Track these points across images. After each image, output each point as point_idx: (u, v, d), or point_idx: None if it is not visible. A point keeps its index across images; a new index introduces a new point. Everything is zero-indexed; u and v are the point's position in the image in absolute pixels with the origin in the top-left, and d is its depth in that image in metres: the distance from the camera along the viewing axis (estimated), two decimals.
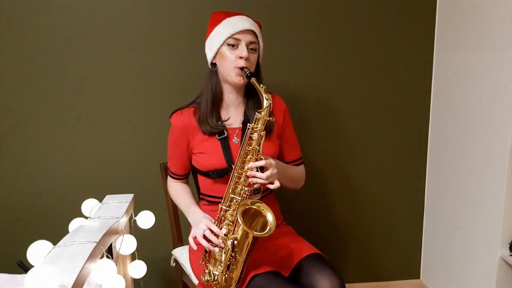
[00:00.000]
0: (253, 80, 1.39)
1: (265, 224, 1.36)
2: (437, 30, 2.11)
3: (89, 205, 1.46)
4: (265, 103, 1.37)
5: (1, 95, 1.92)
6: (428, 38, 2.12)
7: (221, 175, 1.50)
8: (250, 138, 1.38)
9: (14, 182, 1.99)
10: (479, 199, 1.82)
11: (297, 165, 1.66)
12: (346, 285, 1.40)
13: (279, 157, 1.60)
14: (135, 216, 1.52)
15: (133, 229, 1.52)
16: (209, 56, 1.50)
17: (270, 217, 1.35)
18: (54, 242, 1.08)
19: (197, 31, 1.95)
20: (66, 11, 1.89)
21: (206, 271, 1.40)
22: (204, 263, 1.42)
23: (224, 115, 1.53)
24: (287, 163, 1.63)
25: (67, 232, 1.21)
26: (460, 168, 1.96)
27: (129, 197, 1.55)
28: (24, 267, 1.50)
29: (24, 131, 1.96)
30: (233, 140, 1.51)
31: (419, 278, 2.36)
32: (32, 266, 0.86)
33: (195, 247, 1.43)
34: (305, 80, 2.08)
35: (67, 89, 1.95)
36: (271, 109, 1.38)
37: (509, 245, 1.68)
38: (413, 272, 2.36)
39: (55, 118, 1.97)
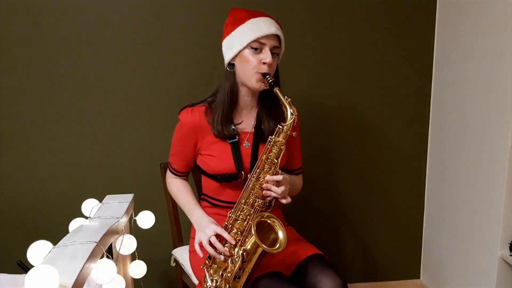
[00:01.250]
0: (276, 90, 1.33)
1: (275, 240, 1.33)
2: (437, 30, 2.11)
3: (89, 205, 1.45)
4: (290, 118, 1.32)
5: (2, 96, 1.92)
6: (428, 38, 2.12)
7: (229, 180, 1.46)
8: (270, 150, 1.35)
9: (14, 182, 1.99)
10: (479, 199, 1.82)
11: (297, 174, 1.64)
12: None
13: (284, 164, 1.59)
14: (135, 216, 1.52)
15: (133, 229, 1.52)
16: (228, 56, 1.42)
17: (281, 235, 1.32)
18: (54, 242, 1.08)
19: (197, 32, 1.95)
20: (67, 11, 1.89)
21: (208, 276, 1.38)
22: (206, 268, 1.39)
23: (237, 118, 1.49)
24: (290, 171, 1.61)
25: (67, 232, 1.21)
26: (460, 168, 1.96)
27: (129, 197, 1.55)
28: (24, 267, 1.50)
29: (24, 131, 1.96)
30: (244, 145, 1.47)
31: (419, 278, 2.36)
32: (32, 266, 0.86)
33: (201, 254, 1.40)
34: (303, 79, 2.08)
35: (67, 89, 1.95)
36: (294, 124, 1.33)
37: (509, 245, 1.68)
38: (413, 272, 2.36)
39: (55, 118, 1.97)
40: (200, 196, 1.67)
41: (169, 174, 1.63)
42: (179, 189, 1.59)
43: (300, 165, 1.64)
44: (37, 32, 1.89)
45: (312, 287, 1.35)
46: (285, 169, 1.59)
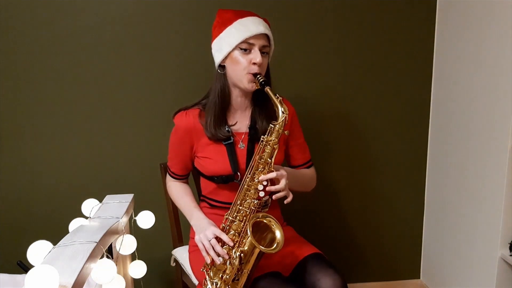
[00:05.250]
0: (267, 89, 1.33)
1: (272, 239, 1.33)
2: (437, 30, 2.11)
3: (89, 205, 1.45)
4: (281, 116, 1.32)
5: (1, 95, 1.92)
6: (428, 38, 2.12)
7: (226, 181, 1.46)
8: (263, 150, 1.35)
9: (14, 182, 1.99)
10: (479, 199, 1.82)
11: (307, 167, 1.63)
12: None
13: (288, 160, 1.58)
14: (135, 216, 1.52)
15: (133, 229, 1.52)
16: (218, 58, 1.42)
17: (278, 234, 1.32)
18: (54, 242, 1.08)
19: (198, 31, 1.95)
20: (67, 11, 1.89)
21: (208, 279, 1.38)
22: (205, 271, 1.40)
23: (231, 119, 1.49)
24: (297, 166, 1.60)
25: (67, 232, 1.21)
26: (460, 168, 1.96)
27: (129, 197, 1.55)
28: (24, 267, 1.50)
29: (24, 131, 1.96)
30: (239, 146, 1.47)
31: (419, 278, 2.36)
32: (32, 266, 0.86)
33: (208, 259, 1.37)
34: (302, 80, 2.08)
35: (67, 89, 1.95)
36: (286, 122, 1.33)
37: (509, 245, 1.68)
38: (413, 272, 2.36)
39: (55, 118, 1.97)
40: (199, 197, 1.67)
41: (168, 178, 1.64)
42: (178, 193, 1.60)
43: (309, 157, 1.63)
44: (38, 32, 1.89)
45: (312, 287, 1.36)
46: (293, 165, 1.59)
